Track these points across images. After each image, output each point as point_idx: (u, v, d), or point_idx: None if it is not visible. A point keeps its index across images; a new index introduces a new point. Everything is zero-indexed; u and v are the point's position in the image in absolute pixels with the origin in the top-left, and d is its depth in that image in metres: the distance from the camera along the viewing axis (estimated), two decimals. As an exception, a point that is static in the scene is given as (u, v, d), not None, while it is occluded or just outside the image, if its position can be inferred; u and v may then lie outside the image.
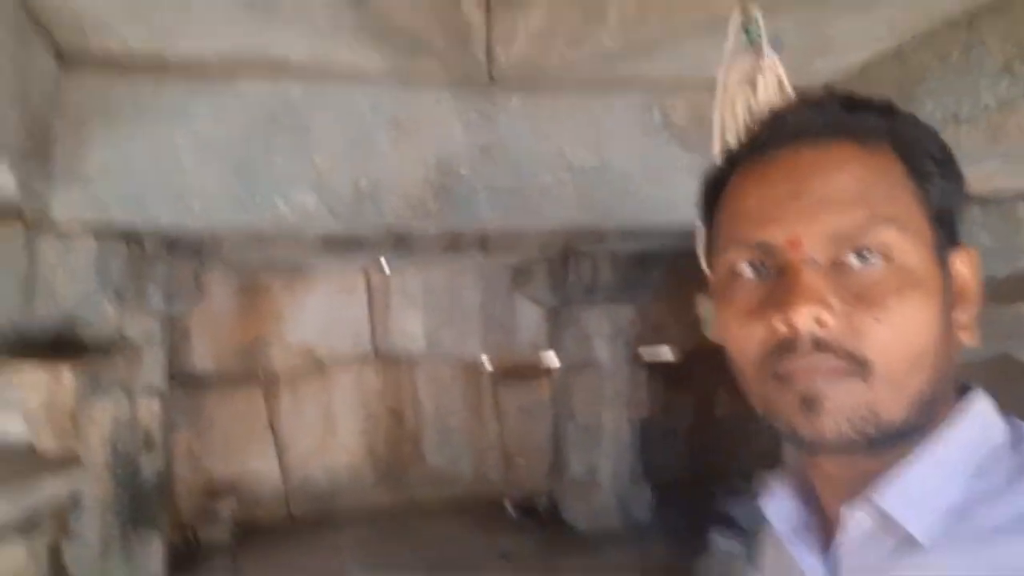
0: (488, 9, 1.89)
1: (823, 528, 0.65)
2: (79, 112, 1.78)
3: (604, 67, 1.95)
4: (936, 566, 0.54)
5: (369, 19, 1.55)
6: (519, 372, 5.77)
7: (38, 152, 1.68)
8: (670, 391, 5.94)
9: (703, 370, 6.26)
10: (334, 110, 1.88)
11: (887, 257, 0.55)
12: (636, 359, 5.18)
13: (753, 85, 1.11)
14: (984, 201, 2.27)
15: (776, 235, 0.57)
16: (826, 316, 0.54)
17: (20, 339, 1.92)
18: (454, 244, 3.85)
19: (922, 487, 0.56)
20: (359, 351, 5.64)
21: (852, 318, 0.54)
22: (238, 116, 1.81)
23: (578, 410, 4.81)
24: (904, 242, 0.55)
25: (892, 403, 0.54)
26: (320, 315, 5.58)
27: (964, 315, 0.59)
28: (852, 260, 0.55)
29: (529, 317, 5.68)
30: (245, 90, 1.80)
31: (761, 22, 1.12)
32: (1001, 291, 2.18)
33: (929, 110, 1.96)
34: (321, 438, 5.60)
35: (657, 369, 5.75)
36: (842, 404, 0.54)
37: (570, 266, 4.51)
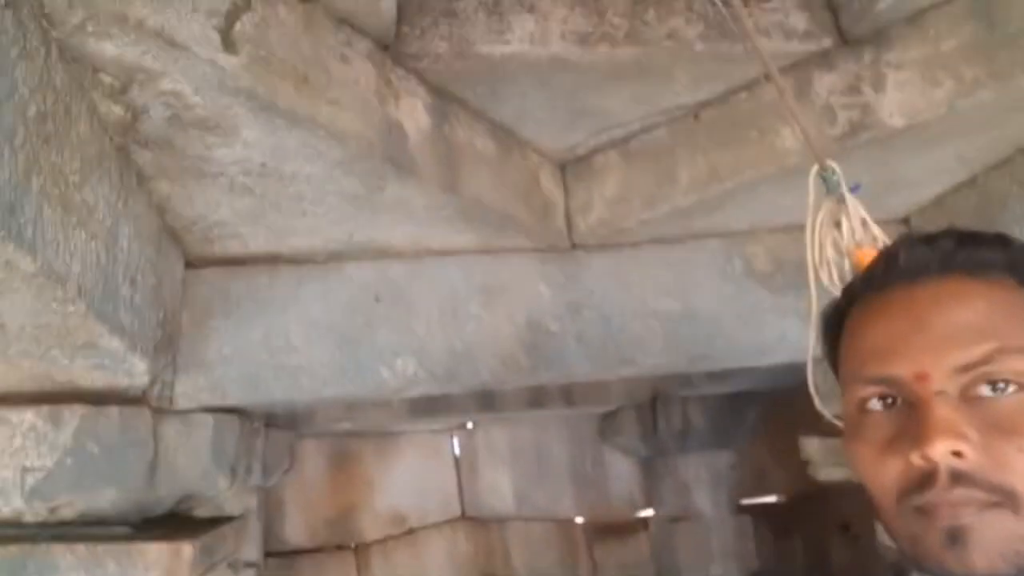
0: (564, 182, 2.04)
1: None
2: (202, 305, 1.95)
3: (681, 223, 2.04)
4: None
5: (461, 204, 1.70)
6: (615, 528, 5.55)
7: (168, 344, 1.85)
8: (780, 539, 5.57)
9: (812, 514, 5.89)
10: (430, 282, 2.01)
11: (1021, 386, 0.54)
12: (740, 508, 4.94)
13: (839, 226, 1.16)
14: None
15: (902, 370, 0.57)
16: (964, 447, 0.53)
17: (141, 516, 2.01)
18: (538, 398, 3.88)
19: None
20: (449, 513, 5.57)
21: (992, 449, 0.53)
22: (344, 295, 1.96)
23: (683, 565, 4.56)
24: None
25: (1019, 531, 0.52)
26: (409, 479, 5.59)
27: None
28: (985, 391, 0.55)
29: (621, 468, 5.54)
30: (351, 274, 1.96)
31: (838, 169, 1.19)
32: None
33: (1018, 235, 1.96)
34: (415, 605, 5.45)
35: (763, 517, 5.44)
36: (993, 538, 0.52)
37: (659, 412, 4.45)
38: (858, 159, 1.74)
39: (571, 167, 2.07)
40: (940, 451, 0.53)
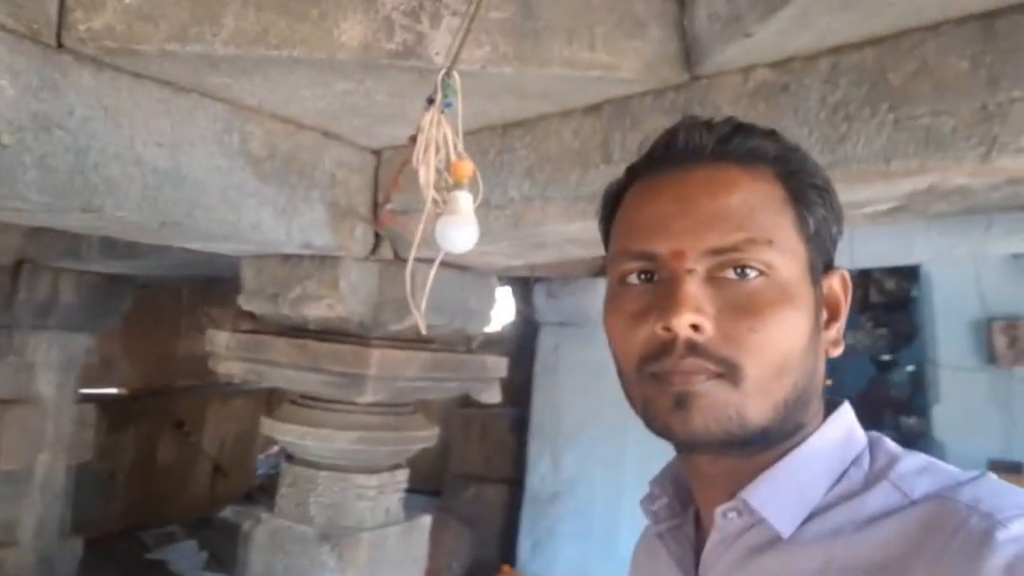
0: (75, -39, 1.59)
1: (696, 529, 0.69)
2: None
3: (202, 72, 1.82)
4: (792, 560, 0.58)
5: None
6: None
7: None
8: (114, 432, 5.32)
9: (150, 410, 5.81)
10: None
11: (763, 273, 0.59)
12: (84, 397, 4.53)
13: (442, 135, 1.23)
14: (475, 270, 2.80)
15: (663, 247, 0.61)
16: (702, 321, 0.58)
17: None
18: None
19: (790, 488, 0.60)
20: None
21: (726, 326, 0.58)
22: None
23: (3, 454, 3.94)
24: (780, 261, 0.60)
25: (758, 407, 0.58)
26: None
27: (833, 331, 0.65)
28: (731, 275, 0.60)
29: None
30: None
31: (459, 81, 1.26)
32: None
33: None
34: None
35: (104, 408, 5.11)
36: (712, 404, 0.58)
37: (22, 279, 3.75)
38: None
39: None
40: (681, 323, 0.58)
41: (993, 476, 0.57)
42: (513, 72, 1.89)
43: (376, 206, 2.56)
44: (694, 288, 0.59)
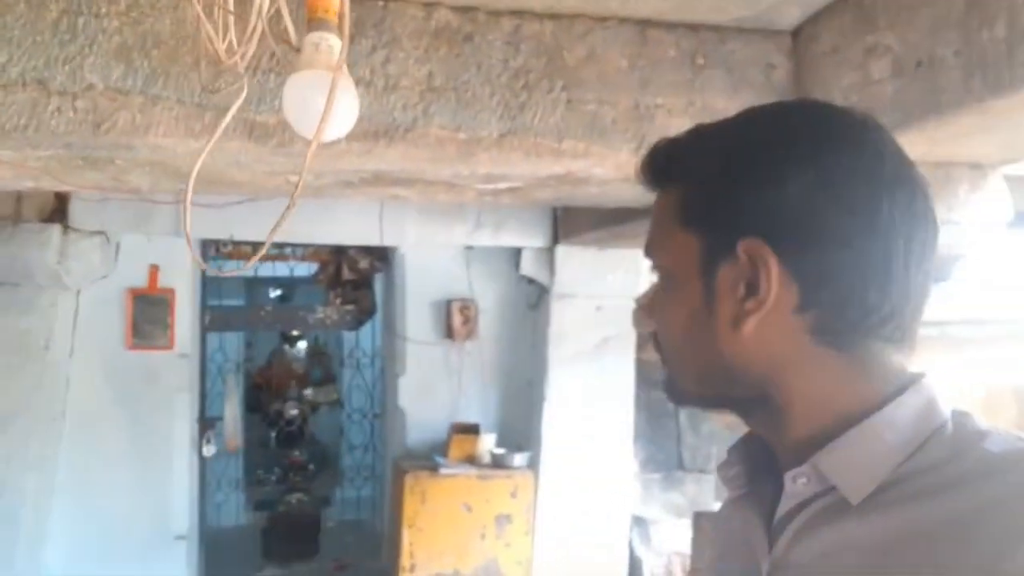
0: None
1: (772, 496, 0.68)
2: None
3: None
4: (859, 527, 0.59)
5: None
6: None
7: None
8: None
9: None
10: None
11: (658, 270, 0.72)
12: None
13: None
14: None
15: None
16: (644, 316, 0.74)
17: None
18: None
19: (861, 456, 0.61)
20: None
21: (651, 315, 0.73)
22: None
23: None
24: (670, 262, 0.70)
25: (680, 377, 0.71)
26: None
27: (751, 302, 0.65)
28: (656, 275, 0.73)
29: None
30: None
31: None
32: None
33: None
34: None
35: None
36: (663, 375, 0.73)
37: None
38: None
39: None
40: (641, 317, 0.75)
41: None
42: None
43: None
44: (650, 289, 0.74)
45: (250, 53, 0.77)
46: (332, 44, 0.67)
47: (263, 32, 0.73)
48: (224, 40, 0.78)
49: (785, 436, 0.66)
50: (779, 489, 0.67)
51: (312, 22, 0.69)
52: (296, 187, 0.75)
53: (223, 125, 0.77)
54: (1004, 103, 1.42)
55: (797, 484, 0.63)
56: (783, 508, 0.65)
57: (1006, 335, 2.03)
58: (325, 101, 0.62)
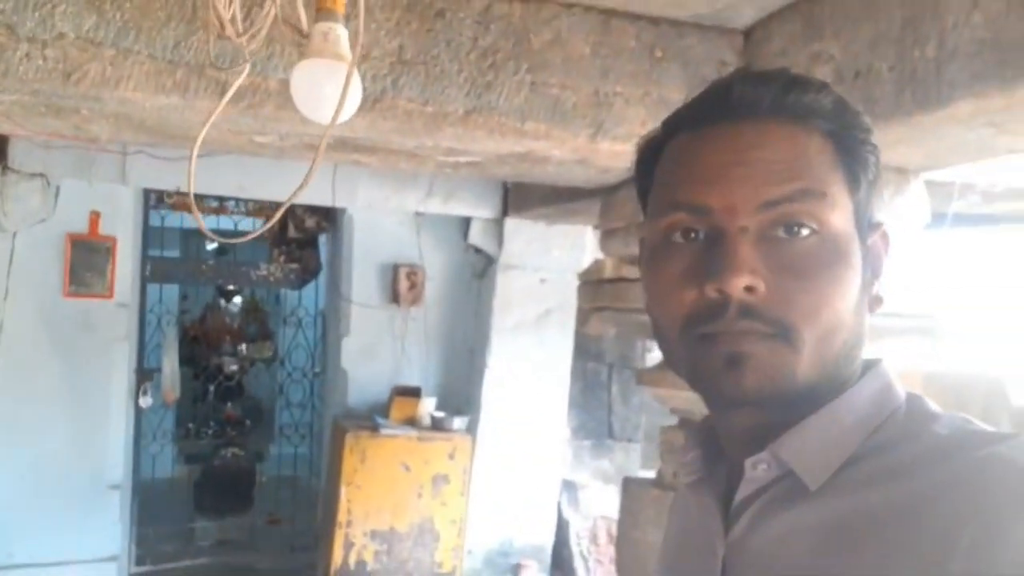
0: None
1: (728, 480, 0.67)
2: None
3: None
4: (818, 511, 0.59)
5: None
6: None
7: None
8: None
9: None
10: None
11: (815, 231, 0.59)
12: None
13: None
14: None
15: (714, 200, 0.60)
16: (757, 283, 0.58)
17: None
18: None
19: (820, 441, 0.61)
20: None
21: (779, 287, 0.58)
22: None
23: None
24: (832, 217, 0.60)
25: (810, 366, 0.59)
26: None
27: (875, 288, 0.65)
28: (781, 233, 0.59)
29: None
30: None
31: None
32: None
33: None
34: None
35: None
36: (766, 364, 0.58)
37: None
38: None
39: None
40: (737, 285, 0.57)
41: None
42: None
43: None
44: (748, 249, 0.58)
45: (263, 32, 0.81)
46: (339, 34, 0.73)
47: (275, 17, 0.77)
48: (229, 10, 0.82)
49: (781, 424, 0.63)
50: (737, 473, 0.66)
51: (321, 12, 0.74)
52: (314, 159, 0.80)
53: (227, 97, 0.81)
54: (930, 118, 1.56)
55: (757, 470, 0.63)
56: (742, 493, 0.64)
57: (918, 328, 2.22)
58: (334, 89, 0.68)
